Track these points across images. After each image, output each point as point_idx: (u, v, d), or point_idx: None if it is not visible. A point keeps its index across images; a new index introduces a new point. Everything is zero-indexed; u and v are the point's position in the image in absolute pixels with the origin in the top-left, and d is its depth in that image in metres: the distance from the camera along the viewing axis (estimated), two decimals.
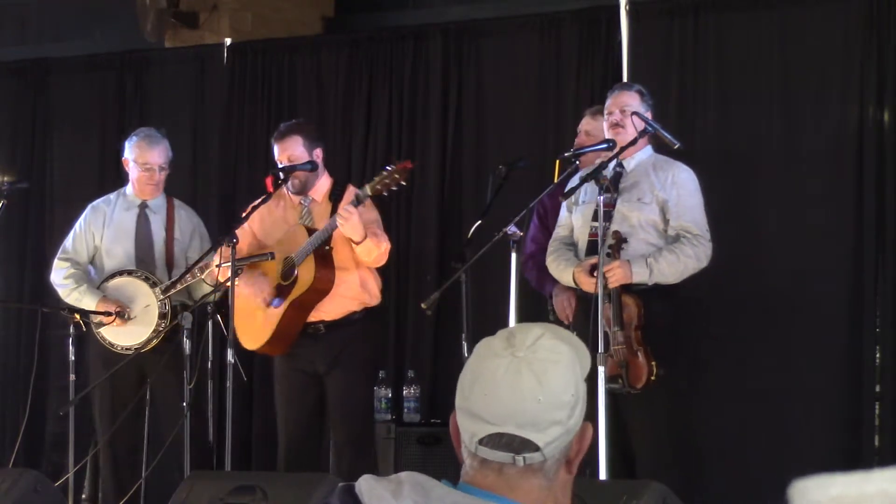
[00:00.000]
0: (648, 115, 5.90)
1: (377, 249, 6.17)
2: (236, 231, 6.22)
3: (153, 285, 6.70)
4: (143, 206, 6.91)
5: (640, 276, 5.73)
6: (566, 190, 5.91)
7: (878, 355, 6.66)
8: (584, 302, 5.76)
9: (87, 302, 6.73)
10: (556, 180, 6.40)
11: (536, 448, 1.98)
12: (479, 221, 6.09)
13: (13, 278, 8.71)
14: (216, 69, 8.41)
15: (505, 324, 5.77)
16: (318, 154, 6.39)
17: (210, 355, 6.31)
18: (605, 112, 5.99)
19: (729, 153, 6.98)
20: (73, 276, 6.82)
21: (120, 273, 6.79)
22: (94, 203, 7.01)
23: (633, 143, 5.81)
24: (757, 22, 7.01)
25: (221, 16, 8.55)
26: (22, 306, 8.40)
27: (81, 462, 6.86)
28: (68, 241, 6.93)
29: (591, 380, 5.16)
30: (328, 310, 6.27)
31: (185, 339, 6.35)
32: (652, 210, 5.84)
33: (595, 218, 5.79)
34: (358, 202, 6.03)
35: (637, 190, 5.87)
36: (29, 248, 8.67)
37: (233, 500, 5.26)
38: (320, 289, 6.20)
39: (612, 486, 5.16)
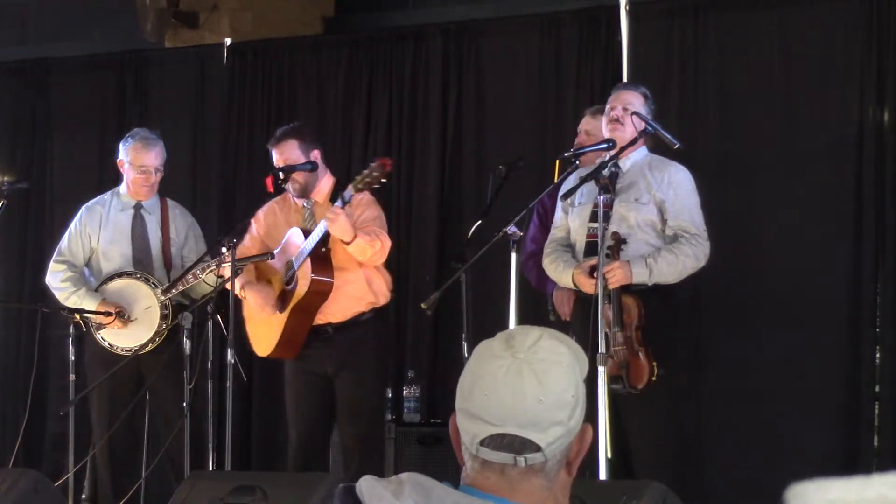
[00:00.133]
0: (649, 117, 5.89)
1: (370, 248, 6.11)
2: (245, 237, 6.21)
3: (153, 287, 6.70)
4: (138, 206, 6.89)
5: (639, 276, 5.72)
6: (565, 191, 5.90)
7: (877, 355, 6.66)
8: (584, 303, 5.75)
9: (88, 305, 6.71)
10: (556, 180, 6.39)
11: (538, 448, 1.98)
12: (479, 221, 6.09)
13: (13, 278, 8.69)
14: (216, 69, 8.40)
15: (505, 324, 5.77)
16: (315, 156, 6.37)
17: (210, 355, 6.30)
18: (607, 107, 5.98)
19: (729, 153, 6.98)
20: (71, 280, 6.78)
21: (119, 275, 6.77)
22: (89, 204, 6.98)
23: (633, 143, 5.81)
24: (757, 22, 7.01)
25: (221, 16, 8.54)
26: (22, 306, 8.38)
27: (81, 462, 6.84)
28: (64, 243, 6.89)
29: (591, 381, 5.19)
30: (334, 311, 6.25)
31: (184, 339, 6.35)
32: (650, 210, 5.83)
33: (593, 219, 5.79)
34: (343, 202, 6.01)
35: (634, 190, 5.85)
36: (29, 249, 8.66)
37: (233, 500, 5.25)
38: (319, 290, 6.17)
39: (612, 487, 5.16)
